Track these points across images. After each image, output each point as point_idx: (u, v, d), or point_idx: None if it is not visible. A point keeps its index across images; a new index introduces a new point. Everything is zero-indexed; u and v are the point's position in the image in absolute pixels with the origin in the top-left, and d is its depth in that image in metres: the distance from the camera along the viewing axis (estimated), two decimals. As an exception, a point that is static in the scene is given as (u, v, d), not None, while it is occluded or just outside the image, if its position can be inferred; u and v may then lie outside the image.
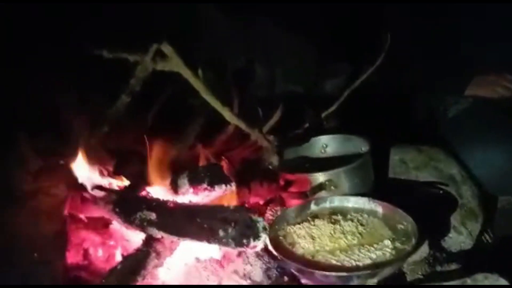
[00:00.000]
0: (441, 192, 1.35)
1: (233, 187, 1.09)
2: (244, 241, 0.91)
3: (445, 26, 1.61)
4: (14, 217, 0.98)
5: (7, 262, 0.92)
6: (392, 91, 1.74)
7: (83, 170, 1.09)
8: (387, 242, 0.97)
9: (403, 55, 1.57)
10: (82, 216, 1.13)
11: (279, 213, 1.18)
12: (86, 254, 1.10)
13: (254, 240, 0.92)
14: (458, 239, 1.26)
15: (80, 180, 1.08)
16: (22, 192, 1.03)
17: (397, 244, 0.97)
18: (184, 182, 1.09)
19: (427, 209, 1.16)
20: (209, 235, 0.93)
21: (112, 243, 1.13)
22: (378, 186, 1.29)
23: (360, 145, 1.34)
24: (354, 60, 1.65)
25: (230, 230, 0.91)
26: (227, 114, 0.99)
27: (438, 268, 1.10)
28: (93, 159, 1.10)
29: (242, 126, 1.03)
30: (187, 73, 0.91)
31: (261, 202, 1.27)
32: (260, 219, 0.93)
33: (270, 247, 0.98)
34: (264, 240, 0.94)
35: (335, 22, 1.71)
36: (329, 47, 1.67)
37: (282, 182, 1.23)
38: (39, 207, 1.03)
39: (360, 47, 1.65)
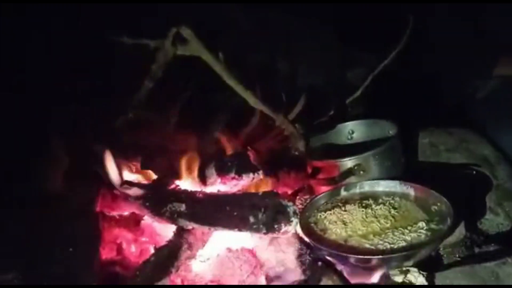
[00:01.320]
0: (474, 173, 1.30)
1: (260, 175, 1.08)
2: (276, 226, 0.90)
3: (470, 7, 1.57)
4: (48, 217, 1.01)
5: (48, 259, 0.95)
6: (418, 74, 1.69)
7: (112, 167, 1.10)
8: (422, 224, 0.95)
9: (428, 37, 1.53)
10: (114, 213, 1.15)
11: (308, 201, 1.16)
12: (119, 249, 1.12)
13: (285, 225, 0.90)
14: (495, 220, 1.22)
15: (110, 177, 1.10)
16: (55, 192, 1.06)
17: (432, 226, 0.95)
18: (211, 172, 1.09)
19: (462, 191, 1.13)
20: (239, 223, 0.93)
21: (144, 239, 1.14)
22: (409, 170, 1.26)
23: (388, 129, 1.31)
24: (378, 48, 1.62)
25: (260, 216, 0.90)
26: (250, 98, 0.98)
27: (476, 250, 1.07)
28: (121, 156, 1.12)
29: (266, 110, 1.01)
30: (207, 57, 0.90)
31: (290, 192, 1.27)
32: (290, 203, 0.91)
33: (302, 234, 0.97)
34: (295, 224, 0.93)
35: (357, 10, 1.68)
36: (352, 36, 1.64)
37: (310, 170, 1.22)
38: (71, 206, 1.05)
39: (383, 33, 1.62)
